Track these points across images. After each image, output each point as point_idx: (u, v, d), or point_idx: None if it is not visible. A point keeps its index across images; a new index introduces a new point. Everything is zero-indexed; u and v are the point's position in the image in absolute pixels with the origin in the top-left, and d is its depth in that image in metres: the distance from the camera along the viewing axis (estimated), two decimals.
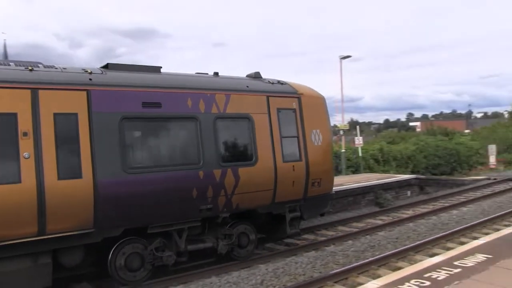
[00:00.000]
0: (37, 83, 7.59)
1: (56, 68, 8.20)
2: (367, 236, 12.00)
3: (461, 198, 17.76)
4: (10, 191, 7.03)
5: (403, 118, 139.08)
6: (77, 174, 7.65)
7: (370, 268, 9.28)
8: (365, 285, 6.91)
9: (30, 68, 7.79)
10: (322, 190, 11.19)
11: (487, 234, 10.88)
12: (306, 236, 12.21)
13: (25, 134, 7.32)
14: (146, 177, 8.40)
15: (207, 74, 10.52)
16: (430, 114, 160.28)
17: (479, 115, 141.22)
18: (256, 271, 9.32)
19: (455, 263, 7.57)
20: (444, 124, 54.77)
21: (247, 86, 10.38)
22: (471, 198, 17.52)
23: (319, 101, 11.64)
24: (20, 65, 7.81)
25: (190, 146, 9.11)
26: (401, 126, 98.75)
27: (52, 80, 7.79)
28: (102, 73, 8.57)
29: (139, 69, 9.28)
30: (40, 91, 7.55)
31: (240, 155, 9.80)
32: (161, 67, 9.68)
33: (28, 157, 7.28)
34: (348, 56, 28.53)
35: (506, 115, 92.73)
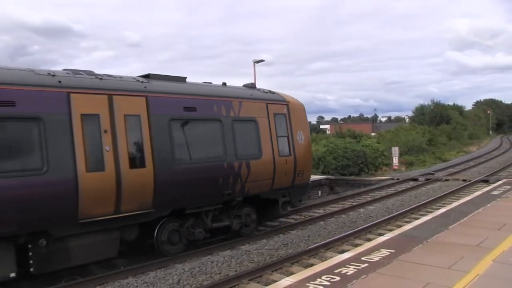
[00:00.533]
0: (111, 90, 9.27)
1: (115, 77, 9.88)
2: (281, 235, 12.33)
3: (368, 197, 18.86)
4: (97, 178, 8.64)
5: (314, 121, 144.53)
6: (143, 164, 9.39)
7: (283, 266, 9.55)
8: (279, 282, 7.08)
9: (100, 77, 9.41)
10: (304, 180, 13.72)
11: (391, 230, 11.62)
12: (222, 236, 12.25)
13: (105, 131, 8.94)
14: (187, 168, 10.27)
15: (211, 83, 12.30)
16: (339, 117, 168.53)
17: (383, 119, 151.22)
18: (172, 270, 9.24)
19: (363, 258, 8.02)
20: (353, 127, 57.85)
21: (251, 95, 12.51)
22: (376, 197, 18.67)
23: (301, 107, 14.12)
24: (91, 75, 9.42)
25: (217, 143, 11.07)
26: (312, 129, 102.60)
27: (121, 88, 9.54)
28: (149, 82, 10.30)
29: (173, 79, 11.18)
30: (114, 97, 9.23)
31: (250, 150, 11.83)
32: (186, 78, 11.57)
33: (109, 150, 8.91)
34: (262, 60, 29.07)
35: (407, 120, 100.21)
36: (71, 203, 8.31)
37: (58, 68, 10.37)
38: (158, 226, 10.09)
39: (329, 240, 11.58)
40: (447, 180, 24.16)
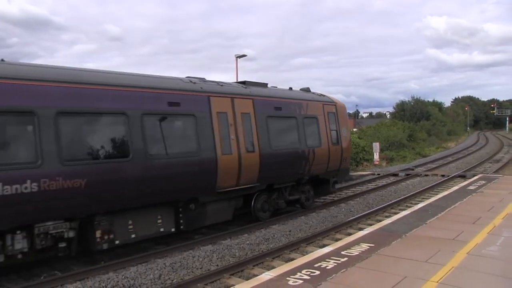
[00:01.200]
0: (232, 94, 12.23)
1: (231, 84, 13.10)
2: (262, 230, 12.39)
3: (349, 192, 19.06)
4: (228, 159, 11.55)
5: None
6: (253, 149, 12.42)
7: (264, 260, 9.63)
8: (259, 277, 7.14)
9: (221, 84, 12.29)
10: (346, 165, 17.15)
11: (371, 225, 11.79)
12: (204, 230, 12.27)
13: (231, 124, 11.86)
14: (279, 152, 13.37)
15: (276, 87, 15.28)
16: None
17: (365, 115, 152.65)
18: (153, 265, 9.21)
19: (343, 252, 8.15)
20: None
21: (313, 98, 15.70)
22: (357, 192, 18.89)
23: (344, 107, 17.58)
24: (214, 82, 12.31)
25: (294, 134, 14.14)
26: None
27: (238, 92, 12.50)
28: (250, 88, 13.15)
29: (260, 85, 14.03)
30: (235, 99, 12.19)
31: (314, 140, 14.87)
32: (267, 84, 14.51)
33: (234, 138, 11.83)
34: (244, 55, 29.11)
35: (388, 116, 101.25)
36: (214, 176, 11.19)
37: (39, 61, 10.47)
38: (254, 198, 13.05)
39: (310, 234, 11.70)
40: (426, 175, 24.59)
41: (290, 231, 12.27)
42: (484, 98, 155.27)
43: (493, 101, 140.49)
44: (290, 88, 15.87)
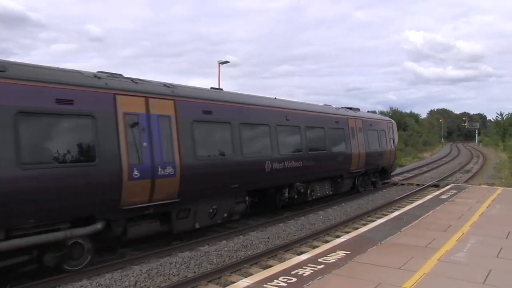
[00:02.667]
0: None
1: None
2: (240, 236, 12.42)
3: (327, 200, 19.24)
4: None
5: None
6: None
7: (242, 267, 9.66)
8: (237, 284, 7.17)
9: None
10: (395, 162, 25.89)
11: (348, 232, 11.94)
12: (183, 237, 12.23)
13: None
14: (374, 151, 21.94)
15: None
16: None
17: None
18: (129, 272, 9.13)
19: (319, 260, 8.24)
20: None
21: (380, 118, 24.61)
22: (335, 200, 19.06)
23: (395, 124, 25.92)
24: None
25: (377, 141, 22.45)
26: None
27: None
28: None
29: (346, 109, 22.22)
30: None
31: (382, 145, 22.91)
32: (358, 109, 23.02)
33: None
34: (227, 62, 29.18)
35: None
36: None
37: (13, 59, 10.15)
38: (357, 177, 20.86)
39: (288, 242, 11.79)
40: (402, 184, 25.10)
41: (268, 238, 12.33)
42: (457, 111, 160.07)
43: (464, 114, 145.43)
44: (357, 109, 22.65)
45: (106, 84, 9.55)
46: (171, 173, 10.41)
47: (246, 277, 8.24)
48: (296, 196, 16.07)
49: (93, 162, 8.91)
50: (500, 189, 19.69)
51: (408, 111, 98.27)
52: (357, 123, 20.36)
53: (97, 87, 9.34)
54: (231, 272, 9.34)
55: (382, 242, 9.62)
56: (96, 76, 9.64)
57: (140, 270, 9.26)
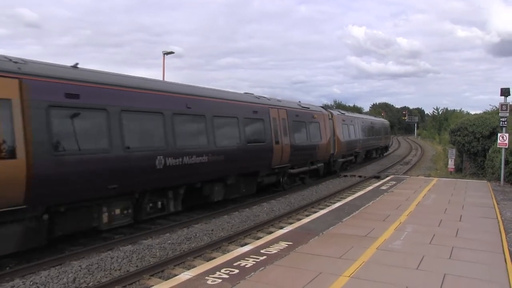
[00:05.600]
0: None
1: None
2: (184, 229, 12.32)
3: (271, 193, 19.43)
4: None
5: None
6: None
7: (186, 260, 9.60)
8: (178, 276, 7.09)
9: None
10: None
11: (291, 223, 12.15)
12: (125, 230, 11.95)
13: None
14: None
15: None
16: None
17: None
18: (68, 268, 8.81)
19: (262, 251, 8.33)
20: None
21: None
22: (280, 191, 19.31)
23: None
24: None
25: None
26: None
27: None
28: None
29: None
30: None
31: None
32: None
33: None
34: (171, 52, 28.70)
35: None
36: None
37: None
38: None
39: (232, 233, 11.83)
40: (345, 176, 25.83)
41: (212, 230, 12.31)
42: (398, 105, 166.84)
43: (405, 108, 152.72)
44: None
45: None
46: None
47: (189, 269, 8.18)
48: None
49: None
50: (435, 180, 20.81)
51: (351, 104, 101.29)
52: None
53: None
54: (174, 265, 9.26)
55: (324, 232, 9.87)
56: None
57: (80, 266, 8.97)
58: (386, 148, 47.14)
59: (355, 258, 7.83)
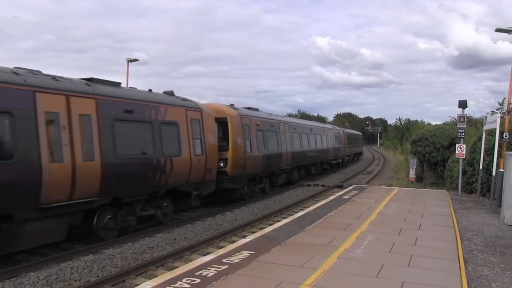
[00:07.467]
0: None
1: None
2: (147, 238, 12.20)
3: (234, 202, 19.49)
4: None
5: None
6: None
7: (148, 269, 9.52)
8: (140, 286, 7.04)
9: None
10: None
11: (253, 233, 12.19)
12: (85, 239, 11.72)
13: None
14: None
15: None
16: None
17: None
18: (24, 280, 8.56)
19: (224, 260, 8.36)
20: None
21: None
22: (242, 201, 19.38)
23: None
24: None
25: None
26: None
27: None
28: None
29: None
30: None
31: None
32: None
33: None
34: (136, 60, 28.46)
35: None
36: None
37: None
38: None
39: (195, 242, 11.80)
40: (309, 185, 26.12)
41: (175, 239, 12.24)
42: (361, 115, 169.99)
43: (368, 118, 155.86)
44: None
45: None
46: None
47: (151, 279, 8.12)
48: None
49: None
50: (396, 189, 21.40)
51: (315, 114, 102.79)
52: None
53: None
54: (136, 275, 9.16)
55: (286, 241, 9.99)
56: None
57: (38, 277, 8.73)
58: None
59: (317, 267, 7.98)
